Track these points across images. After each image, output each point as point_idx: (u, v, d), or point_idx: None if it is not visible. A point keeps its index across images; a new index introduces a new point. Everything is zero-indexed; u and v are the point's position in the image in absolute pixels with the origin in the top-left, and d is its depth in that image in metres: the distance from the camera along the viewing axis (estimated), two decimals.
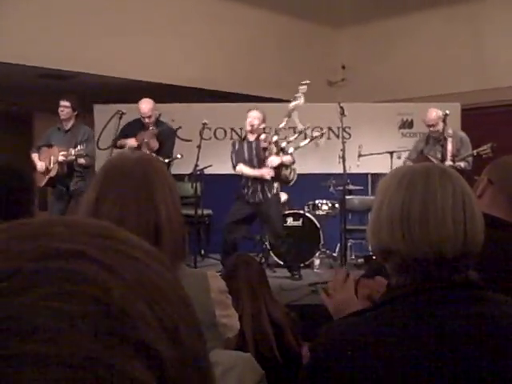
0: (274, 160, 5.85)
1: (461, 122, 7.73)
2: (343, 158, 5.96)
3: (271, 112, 6.83)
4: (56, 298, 0.36)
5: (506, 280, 1.66)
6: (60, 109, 6.17)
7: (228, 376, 1.23)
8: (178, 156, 6.07)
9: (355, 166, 6.86)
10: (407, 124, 8.01)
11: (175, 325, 0.40)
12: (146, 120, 6.19)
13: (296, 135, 6.18)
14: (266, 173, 5.83)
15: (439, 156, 6.15)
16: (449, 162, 5.94)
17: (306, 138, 6.30)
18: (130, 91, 6.90)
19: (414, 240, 1.19)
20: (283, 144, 6.03)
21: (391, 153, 6.83)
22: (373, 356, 1.13)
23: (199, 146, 6.15)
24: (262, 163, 5.89)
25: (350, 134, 7.59)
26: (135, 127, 6.23)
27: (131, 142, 6.16)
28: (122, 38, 7.12)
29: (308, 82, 6.01)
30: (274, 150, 5.94)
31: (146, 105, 6.21)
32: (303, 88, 6.05)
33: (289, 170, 5.98)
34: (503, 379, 1.14)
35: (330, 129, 7.86)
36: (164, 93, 7.43)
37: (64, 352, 0.34)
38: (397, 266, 1.23)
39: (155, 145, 6.11)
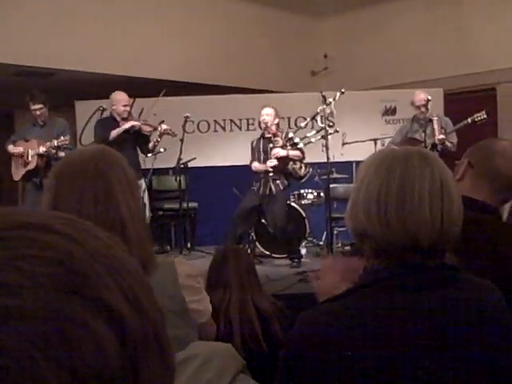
0: (279, 151, 5.99)
1: (444, 106, 7.76)
2: (327, 147, 5.95)
3: (254, 103, 6.81)
4: (23, 259, 0.39)
5: (486, 263, 1.66)
6: (36, 113, 6.12)
7: (208, 366, 1.22)
8: (161, 150, 6.04)
9: (339, 155, 6.87)
10: (390, 111, 8.03)
11: (137, 295, 0.42)
12: (128, 109, 6.16)
13: (314, 132, 6.10)
14: (269, 163, 5.97)
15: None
16: (439, 138, 6.03)
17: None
18: (111, 87, 6.84)
19: (389, 225, 1.17)
20: (296, 139, 6.03)
21: (375, 140, 6.84)
22: (345, 345, 1.12)
23: (182, 140, 6.12)
24: (267, 157, 6.04)
25: (333, 123, 7.58)
26: (109, 123, 6.15)
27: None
28: (101, 33, 7.05)
29: (343, 90, 5.76)
30: (280, 142, 6.02)
31: (123, 95, 6.20)
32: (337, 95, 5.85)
33: (298, 165, 6.06)
34: (476, 361, 1.15)
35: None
36: (145, 87, 7.38)
37: (27, 305, 0.37)
38: (372, 250, 1.23)
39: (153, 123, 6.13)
